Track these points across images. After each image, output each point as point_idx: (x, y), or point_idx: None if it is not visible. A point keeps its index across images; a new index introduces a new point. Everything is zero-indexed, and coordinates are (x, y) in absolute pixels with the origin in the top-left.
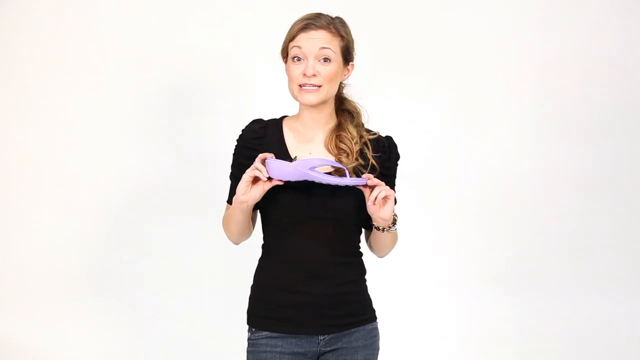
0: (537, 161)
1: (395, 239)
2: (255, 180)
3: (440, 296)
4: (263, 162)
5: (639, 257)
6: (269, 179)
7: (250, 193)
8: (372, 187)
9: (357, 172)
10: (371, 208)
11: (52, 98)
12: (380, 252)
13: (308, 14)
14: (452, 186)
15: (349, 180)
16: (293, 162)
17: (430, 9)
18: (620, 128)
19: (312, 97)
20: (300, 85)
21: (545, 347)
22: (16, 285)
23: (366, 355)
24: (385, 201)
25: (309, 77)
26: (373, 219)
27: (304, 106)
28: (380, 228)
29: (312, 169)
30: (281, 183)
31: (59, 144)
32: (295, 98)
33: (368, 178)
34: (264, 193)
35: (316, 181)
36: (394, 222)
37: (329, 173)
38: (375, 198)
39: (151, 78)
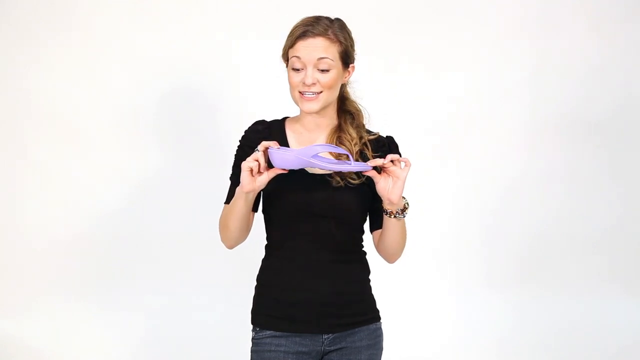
0: (536, 162)
1: (404, 234)
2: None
3: (443, 297)
4: (265, 150)
5: (638, 257)
6: (271, 167)
7: (255, 181)
8: (380, 171)
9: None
10: (381, 190)
11: (52, 98)
12: (390, 250)
13: (306, 19)
14: (453, 186)
15: (352, 166)
16: (295, 150)
17: (430, 10)
18: (622, 128)
19: (313, 105)
20: (300, 93)
21: (547, 347)
22: (16, 284)
23: (370, 355)
24: (406, 164)
25: (308, 85)
26: (383, 202)
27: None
28: (389, 212)
29: (314, 156)
30: (285, 172)
31: (58, 143)
32: (297, 105)
33: (373, 164)
34: (269, 179)
35: (319, 168)
36: (404, 210)
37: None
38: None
39: (151, 78)
